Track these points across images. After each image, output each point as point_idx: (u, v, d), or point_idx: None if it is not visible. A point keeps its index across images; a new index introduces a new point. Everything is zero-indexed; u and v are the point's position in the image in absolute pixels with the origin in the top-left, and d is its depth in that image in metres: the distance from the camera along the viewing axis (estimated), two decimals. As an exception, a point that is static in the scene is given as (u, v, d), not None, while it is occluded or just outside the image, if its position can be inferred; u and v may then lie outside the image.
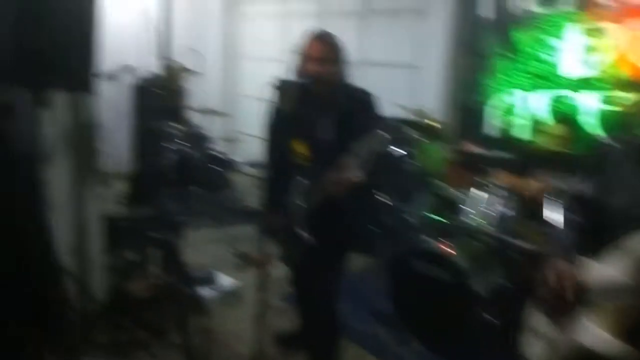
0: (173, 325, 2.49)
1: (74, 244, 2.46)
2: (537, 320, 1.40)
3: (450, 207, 3.05)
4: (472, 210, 2.92)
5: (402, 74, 4.75)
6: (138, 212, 3.42)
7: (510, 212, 2.84)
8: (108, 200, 3.74)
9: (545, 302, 1.34)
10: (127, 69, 3.84)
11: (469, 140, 3.62)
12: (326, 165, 2.00)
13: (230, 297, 3.24)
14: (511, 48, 3.82)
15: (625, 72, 3.30)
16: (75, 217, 2.46)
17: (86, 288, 2.35)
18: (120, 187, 4.44)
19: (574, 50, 3.50)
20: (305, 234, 2.13)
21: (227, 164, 5.04)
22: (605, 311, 1.12)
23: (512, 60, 3.83)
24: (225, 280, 3.31)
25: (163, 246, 2.48)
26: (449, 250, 2.82)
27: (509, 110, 3.85)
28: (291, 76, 2.11)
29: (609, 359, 1.08)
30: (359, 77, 4.97)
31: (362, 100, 2.12)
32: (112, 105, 4.13)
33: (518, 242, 2.67)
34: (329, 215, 2.09)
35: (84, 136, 2.42)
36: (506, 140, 3.83)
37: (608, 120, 3.37)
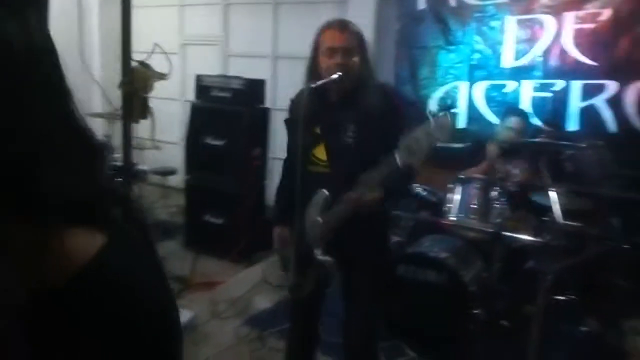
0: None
1: None
2: None
3: (428, 205, 2.94)
4: (451, 206, 2.83)
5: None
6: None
7: (489, 203, 2.80)
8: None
9: None
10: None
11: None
12: (348, 173, 1.72)
13: (190, 332, 2.75)
14: (450, 40, 3.84)
15: (559, 61, 3.50)
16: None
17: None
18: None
19: (512, 41, 3.62)
20: (326, 257, 1.80)
21: (132, 174, 4.35)
22: None
23: (451, 52, 3.84)
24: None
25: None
26: (436, 250, 2.71)
27: (451, 102, 3.87)
28: (307, 77, 1.79)
29: None
30: (276, 71, 4.91)
31: (389, 101, 1.82)
32: None
33: (504, 233, 2.64)
34: (354, 232, 1.77)
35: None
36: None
37: (539, 106, 3.57)
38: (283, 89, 4.88)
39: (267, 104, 4.10)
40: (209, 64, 5.40)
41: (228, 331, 2.81)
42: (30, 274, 0.47)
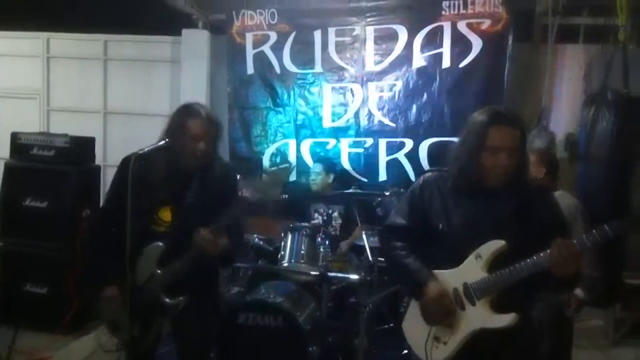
0: None
1: None
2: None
3: (265, 254, 3.15)
4: (283, 253, 3.10)
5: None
6: None
7: (316, 247, 3.12)
8: None
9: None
10: None
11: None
12: (187, 229, 1.92)
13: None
14: (277, 102, 4.26)
15: (367, 122, 4.14)
16: None
17: None
18: None
19: (329, 105, 4.17)
20: (172, 300, 1.96)
21: None
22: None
23: (279, 113, 4.27)
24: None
25: None
26: (272, 296, 2.91)
27: (281, 157, 4.25)
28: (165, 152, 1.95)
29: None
30: (116, 126, 4.77)
31: (225, 169, 2.14)
32: None
33: (330, 274, 2.97)
34: (197, 276, 1.96)
35: None
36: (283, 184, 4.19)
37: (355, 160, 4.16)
38: (113, 145, 4.78)
39: (98, 160, 3.98)
40: (26, 119, 5.02)
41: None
42: None
